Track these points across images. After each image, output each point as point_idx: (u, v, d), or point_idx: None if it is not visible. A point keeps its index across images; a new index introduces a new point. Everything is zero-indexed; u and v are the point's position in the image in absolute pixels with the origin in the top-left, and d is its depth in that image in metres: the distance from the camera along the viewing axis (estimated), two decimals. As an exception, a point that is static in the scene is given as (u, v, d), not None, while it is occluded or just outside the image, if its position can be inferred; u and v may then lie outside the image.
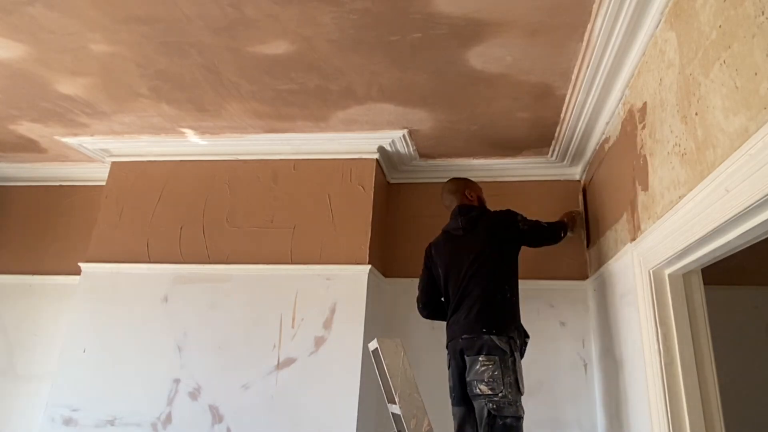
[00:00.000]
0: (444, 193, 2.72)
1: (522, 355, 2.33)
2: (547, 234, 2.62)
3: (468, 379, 2.19)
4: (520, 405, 2.13)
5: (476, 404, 2.16)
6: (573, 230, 2.89)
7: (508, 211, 2.56)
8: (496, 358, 2.13)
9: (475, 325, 2.22)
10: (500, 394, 2.08)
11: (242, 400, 2.70)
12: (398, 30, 2.08)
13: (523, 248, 2.56)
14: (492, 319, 2.23)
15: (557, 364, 2.92)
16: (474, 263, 2.37)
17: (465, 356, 2.23)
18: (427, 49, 2.19)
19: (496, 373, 2.10)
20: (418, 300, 2.63)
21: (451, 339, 2.36)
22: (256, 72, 2.42)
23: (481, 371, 2.12)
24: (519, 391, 2.13)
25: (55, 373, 2.89)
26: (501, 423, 2.06)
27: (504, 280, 2.36)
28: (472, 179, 2.78)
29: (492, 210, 2.62)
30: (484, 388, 2.10)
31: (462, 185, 2.69)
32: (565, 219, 2.84)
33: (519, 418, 2.10)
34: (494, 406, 2.07)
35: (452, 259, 2.48)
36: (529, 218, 2.57)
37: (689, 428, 1.77)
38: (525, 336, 2.37)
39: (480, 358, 2.14)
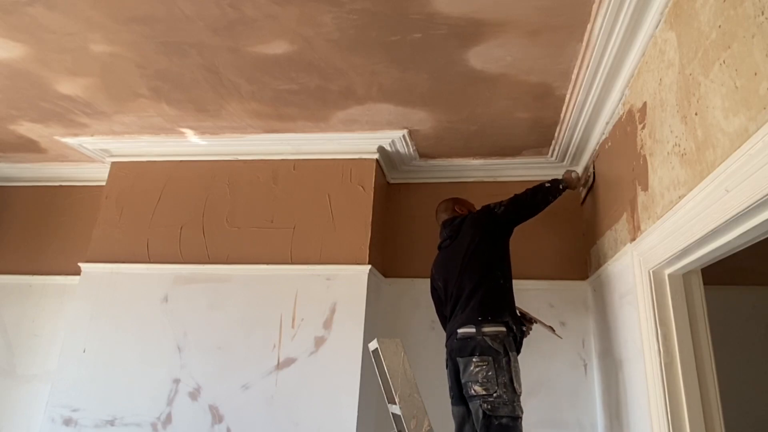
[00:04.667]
0: (438, 214, 2.75)
1: (520, 345, 2.31)
2: (528, 200, 2.54)
3: (463, 380, 2.19)
4: (518, 405, 2.11)
5: (472, 405, 2.15)
6: (574, 187, 2.78)
7: (484, 206, 2.58)
8: (490, 358, 2.13)
9: (471, 314, 2.24)
10: (495, 395, 2.07)
11: (242, 400, 2.70)
12: (398, 30, 2.08)
13: (523, 246, 2.55)
14: (486, 306, 2.24)
15: (557, 363, 2.92)
16: (464, 260, 2.40)
17: (457, 358, 2.24)
18: (427, 49, 2.19)
19: (490, 373, 2.10)
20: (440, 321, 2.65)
21: (447, 337, 2.37)
22: (256, 72, 2.42)
23: (475, 372, 2.12)
24: (515, 391, 2.11)
25: (55, 373, 2.89)
26: (497, 423, 2.05)
27: (495, 267, 2.38)
28: (472, 179, 2.78)
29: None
30: (478, 388, 2.10)
31: (452, 202, 2.74)
32: (563, 176, 2.76)
33: (515, 418, 2.08)
34: (489, 407, 2.06)
35: (446, 267, 2.53)
36: (505, 200, 2.53)
37: (689, 428, 1.77)
38: (521, 323, 2.36)
39: (474, 359, 2.14)
